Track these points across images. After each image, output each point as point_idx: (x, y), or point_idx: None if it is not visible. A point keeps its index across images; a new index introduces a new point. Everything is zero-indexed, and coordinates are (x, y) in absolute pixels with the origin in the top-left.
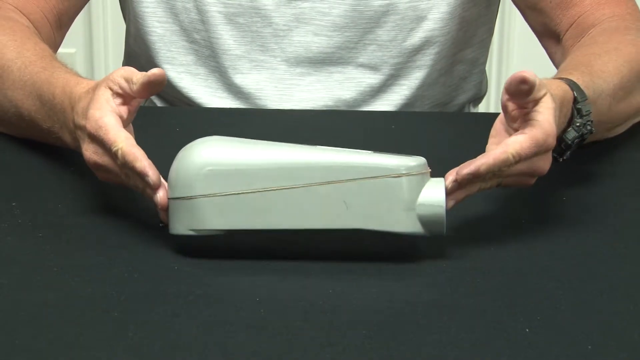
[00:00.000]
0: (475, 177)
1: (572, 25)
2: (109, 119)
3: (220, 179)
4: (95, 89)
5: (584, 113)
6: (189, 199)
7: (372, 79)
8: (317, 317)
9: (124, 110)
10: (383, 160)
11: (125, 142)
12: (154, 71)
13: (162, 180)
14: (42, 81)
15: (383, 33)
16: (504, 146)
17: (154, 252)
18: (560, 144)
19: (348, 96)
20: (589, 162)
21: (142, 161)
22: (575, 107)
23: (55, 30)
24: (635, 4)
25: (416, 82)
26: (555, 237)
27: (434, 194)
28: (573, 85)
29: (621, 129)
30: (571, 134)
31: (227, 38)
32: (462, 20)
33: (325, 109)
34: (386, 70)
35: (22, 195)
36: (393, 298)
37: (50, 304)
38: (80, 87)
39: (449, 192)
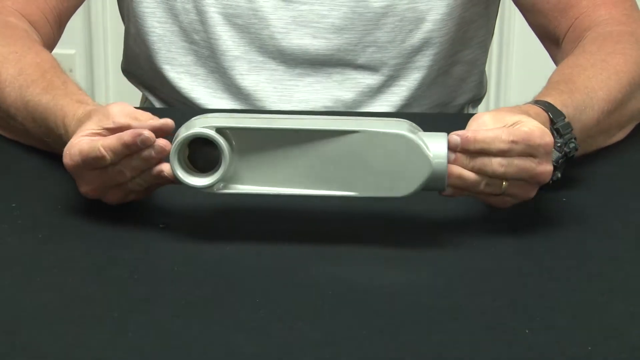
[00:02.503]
0: (464, 140)
1: (570, 28)
2: (79, 145)
3: (227, 113)
4: (85, 122)
5: (563, 132)
6: (196, 119)
7: (371, 79)
8: (316, 318)
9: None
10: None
11: (100, 141)
12: (167, 122)
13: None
14: (44, 107)
15: (382, 35)
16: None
17: (154, 254)
18: None
19: (347, 97)
20: (589, 163)
21: (126, 133)
22: (553, 127)
23: (54, 30)
24: (632, 4)
25: (415, 82)
26: (555, 238)
27: (436, 147)
28: (548, 107)
29: (619, 136)
30: (554, 155)
31: (226, 39)
32: (461, 21)
33: (324, 109)
34: (385, 71)
35: (22, 196)
36: (392, 299)
37: (50, 305)
38: (75, 119)
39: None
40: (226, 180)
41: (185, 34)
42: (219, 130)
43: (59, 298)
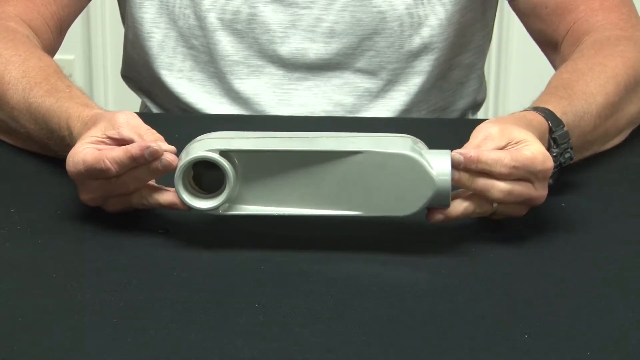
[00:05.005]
0: (467, 160)
1: (568, 32)
2: (83, 154)
3: (229, 133)
4: (91, 126)
5: (560, 142)
6: (199, 141)
7: (370, 84)
8: (315, 323)
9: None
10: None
11: (105, 153)
12: (170, 150)
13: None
14: (47, 109)
15: (381, 39)
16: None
17: (153, 258)
18: None
19: (346, 101)
20: (588, 168)
21: (133, 146)
22: (551, 136)
23: (55, 36)
24: (630, 9)
25: (414, 87)
26: (554, 243)
27: (439, 165)
28: (548, 114)
29: (617, 140)
30: None
31: (225, 44)
32: (459, 26)
33: (324, 113)
34: (384, 75)
35: (21, 201)
36: (392, 304)
37: (49, 310)
38: (80, 121)
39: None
40: (231, 201)
41: (184, 39)
42: (223, 152)
43: (58, 303)
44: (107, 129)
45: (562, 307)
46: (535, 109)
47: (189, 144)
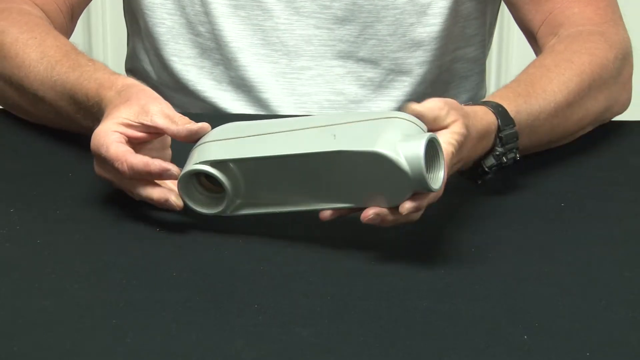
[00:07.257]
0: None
1: (543, 23)
2: (110, 141)
3: (230, 131)
4: (124, 101)
5: (505, 141)
6: (201, 144)
7: (373, 73)
8: (315, 323)
9: (135, 135)
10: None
11: (127, 157)
12: (204, 126)
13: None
14: (73, 83)
15: (383, 28)
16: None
17: (153, 259)
18: (477, 169)
19: (349, 90)
20: (588, 168)
21: (154, 164)
22: (498, 135)
23: (68, 21)
24: (608, 3)
25: (417, 78)
26: (554, 243)
27: (412, 154)
28: (500, 112)
29: (579, 135)
30: (489, 162)
31: (229, 30)
32: (462, 17)
33: (327, 103)
34: (386, 64)
35: (21, 201)
36: (391, 304)
37: (48, 311)
38: (114, 89)
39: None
40: (234, 202)
41: (191, 26)
42: (216, 162)
43: (58, 304)
44: (139, 115)
45: (562, 308)
46: (489, 104)
47: (194, 147)
